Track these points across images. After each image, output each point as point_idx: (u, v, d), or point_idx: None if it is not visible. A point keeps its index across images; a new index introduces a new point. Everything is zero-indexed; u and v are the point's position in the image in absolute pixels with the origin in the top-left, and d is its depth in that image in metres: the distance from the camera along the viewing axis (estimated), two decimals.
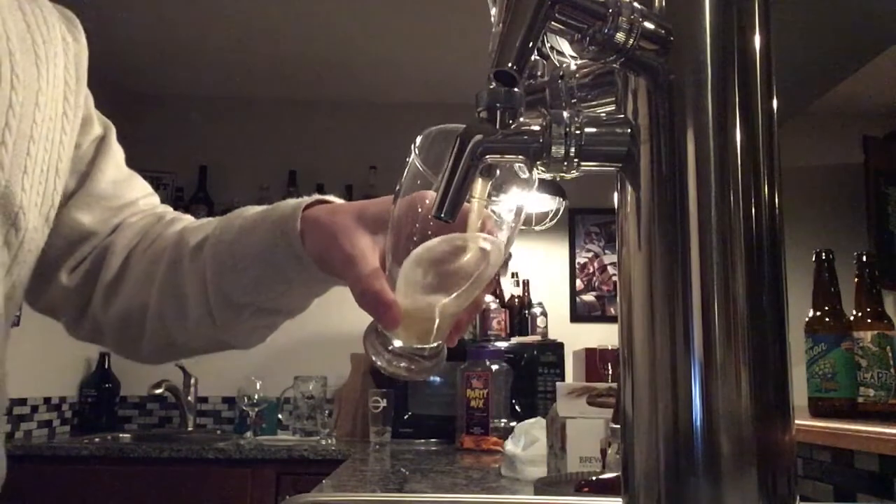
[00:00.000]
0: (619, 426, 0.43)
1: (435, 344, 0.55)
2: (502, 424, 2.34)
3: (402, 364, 0.54)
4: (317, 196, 0.62)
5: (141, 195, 0.76)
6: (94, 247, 0.71)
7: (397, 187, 0.51)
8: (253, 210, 0.65)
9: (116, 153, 0.76)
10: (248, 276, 0.61)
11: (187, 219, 0.74)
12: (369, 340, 0.55)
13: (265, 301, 0.64)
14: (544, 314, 3.17)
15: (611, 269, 3.46)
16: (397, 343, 0.54)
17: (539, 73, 0.52)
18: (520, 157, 0.41)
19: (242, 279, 0.61)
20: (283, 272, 0.61)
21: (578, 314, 3.43)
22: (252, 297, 0.63)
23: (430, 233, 0.50)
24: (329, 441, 2.69)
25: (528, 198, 0.51)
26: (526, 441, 1.63)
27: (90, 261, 0.70)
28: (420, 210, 0.49)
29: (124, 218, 0.73)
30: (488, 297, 3.11)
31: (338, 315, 3.30)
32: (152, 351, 0.70)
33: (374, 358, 0.55)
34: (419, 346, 0.54)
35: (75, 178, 0.71)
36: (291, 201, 0.62)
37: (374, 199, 0.59)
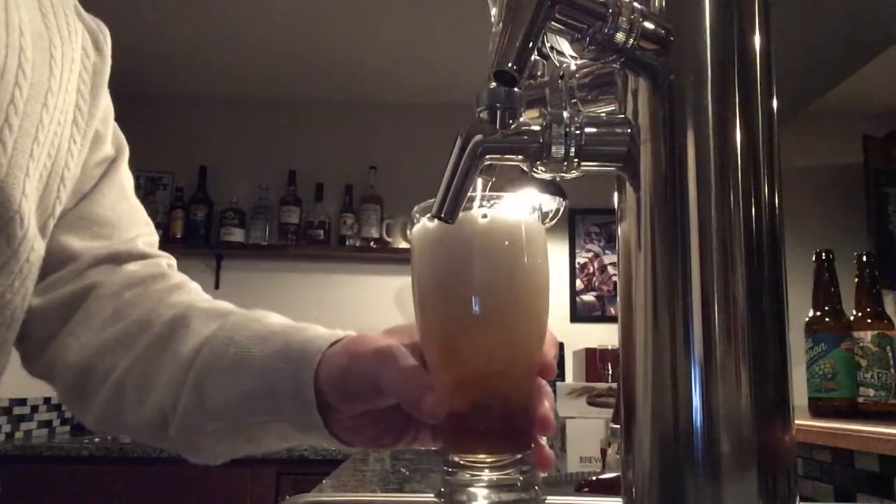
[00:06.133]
0: (619, 426, 0.43)
1: (523, 454, 0.45)
2: None
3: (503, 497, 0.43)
4: (339, 333, 0.55)
5: (142, 233, 0.69)
6: (72, 273, 0.63)
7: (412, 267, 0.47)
8: (275, 320, 0.57)
9: (124, 178, 0.70)
10: (239, 386, 0.53)
11: (193, 288, 0.67)
12: (447, 498, 0.44)
13: (242, 418, 0.54)
14: None
15: (611, 269, 3.46)
16: (481, 474, 0.44)
17: (539, 73, 0.52)
18: (520, 157, 0.41)
19: (234, 385, 0.53)
20: (278, 402, 0.52)
21: (578, 314, 3.43)
22: (232, 411, 0.54)
23: (460, 292, 0.45)
24: None
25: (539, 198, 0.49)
26: None
27: (69, 295, 0.63)
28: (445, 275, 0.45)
29: (115, 252, 0.66)
30: None
31: (337, 316, 3.30)
32: (98, 417, 0.62)
33: None
34: (500, 459, 0.44)
35: (75, 198, 0.65)
36: (318, 340, 0.53)
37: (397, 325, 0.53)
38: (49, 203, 0.60)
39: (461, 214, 0.39)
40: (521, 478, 0.44)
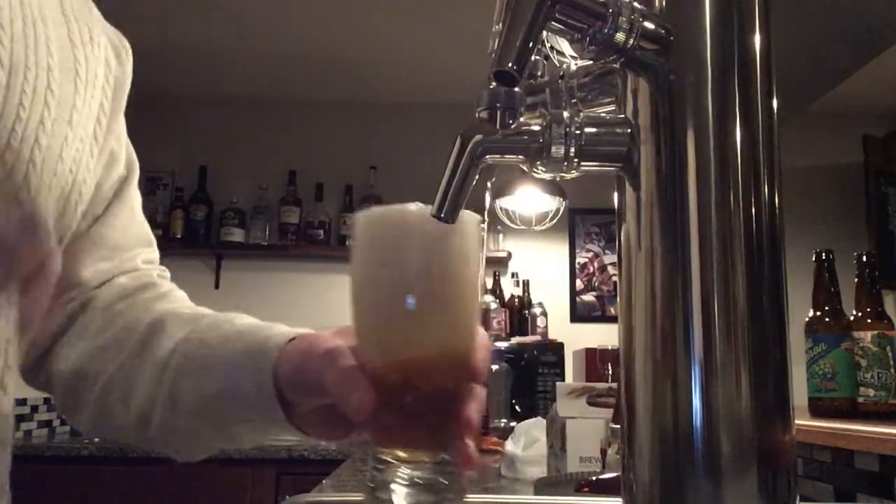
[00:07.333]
0: (619, 426, 0.43)
1: (447, 456, 0.45)
2: (502, 424, 2.34)
3: (424, 498, 0.43)
4: (298, 331, 0.56)
5: (144, 249, 0.71)
6: (76, 294, 0.66)
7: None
8: (243, 321, 0.60)
9: (134, 198, 0.72)
10: (208, 386, 0.56)
11: (179, 297, 0.69)
12: (371, 493, 0.44)
13: (212, 416, 0.57)
14: (544, 314, 3.17)
15: (611, 269, 3.46)
16: (404, 472, 0.43)
17: (539, 73, 0.52)
18: (520, 157, 0.41)
19: (204, 384, 0.56)
20: (245, 399, 0.54)
21: (578, 314, 3.43)
22: (203, 410, 0.56)
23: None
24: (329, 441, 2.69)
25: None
26: (526, 441, 1.62)
27: (69, 312, 0.65)
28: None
29: (116, 273, 0.68)
30: (488, 297, 3.11)
31: (337, 316, 3.30)
32: (89, 421, 0.64)
33: None
34: (422, 458, 0.44)
35: (87, 221, 0.66)
36: (277, 338, 0.55)
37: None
38: (68, 218, 0.61)
39: (396, 206, 0.41)
40: (444, 479, 0.44)
